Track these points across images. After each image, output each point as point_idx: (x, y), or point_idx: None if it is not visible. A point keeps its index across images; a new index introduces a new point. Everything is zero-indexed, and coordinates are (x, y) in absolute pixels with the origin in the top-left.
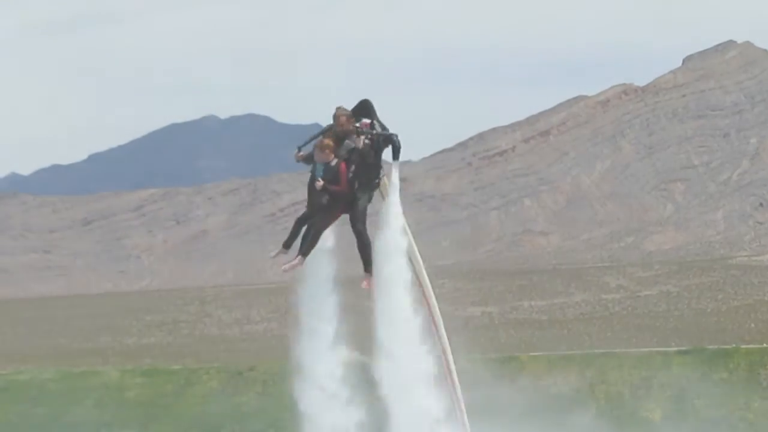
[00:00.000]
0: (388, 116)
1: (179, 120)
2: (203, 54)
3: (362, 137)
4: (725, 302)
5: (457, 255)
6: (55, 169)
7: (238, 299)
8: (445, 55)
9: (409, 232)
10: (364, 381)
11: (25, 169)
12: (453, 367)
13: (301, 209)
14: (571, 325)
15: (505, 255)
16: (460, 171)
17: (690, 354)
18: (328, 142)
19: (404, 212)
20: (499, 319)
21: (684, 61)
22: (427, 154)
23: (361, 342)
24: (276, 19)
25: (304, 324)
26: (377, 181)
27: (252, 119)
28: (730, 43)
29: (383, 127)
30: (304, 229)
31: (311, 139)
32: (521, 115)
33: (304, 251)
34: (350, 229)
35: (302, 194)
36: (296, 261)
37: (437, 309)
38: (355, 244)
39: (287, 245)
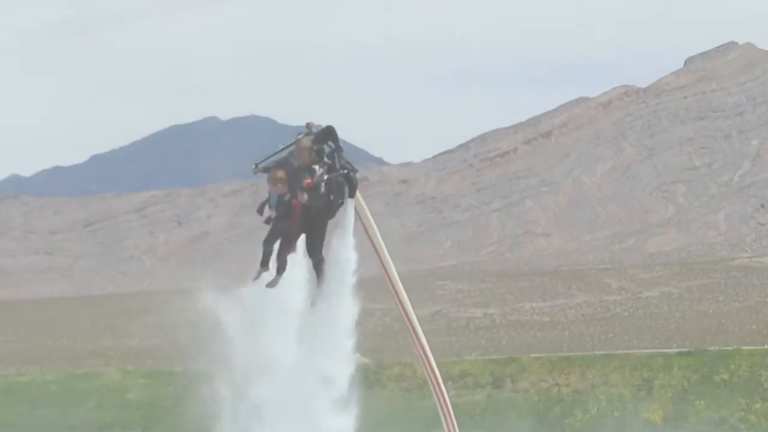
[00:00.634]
0: (389, 118)
1: (181, 121)
2: (205, 55)
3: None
4: (726, 304)
5: (459, 256)
6: (57, 170)
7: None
8: (446, 57)
9: (380, 238)
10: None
11: (27, 171)
12: (435, 367)
13: None
14: (572, 326)
15: (506, 256)
16: (461, 172)
17: (691, 355)
18: (282, 175)
19: (406, 214)
20: (501, 321)
21: (685, 62)
22: (428, 156)
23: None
24: (277, 21)
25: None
26: (336, 210)
27: (254, 120)
28: (731, 45)
29: (342, 159)
30: (277, 244)
31: (273, 155)
32: (522, 117)
33: (280, 270)
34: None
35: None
36: (276, 279)
37: (413, 315)
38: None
39: (264, 264)
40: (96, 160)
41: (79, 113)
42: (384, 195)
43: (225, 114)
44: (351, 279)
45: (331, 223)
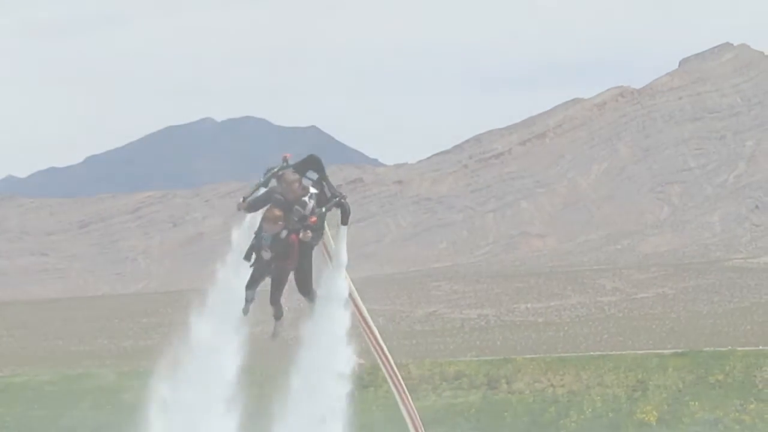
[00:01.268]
0: (385, 119)
1: (176, 123)
2: (200, 57)
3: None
4: (721, 305)
5: (454, 257)
6: (52, 171)
7: None
8: (442, 58)
9: (351, 284)
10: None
11: (22, 172)
12: (396, 371)
13: None
14: (567, 327)
15: (501, 257)
16: (456, 173)
17: (686, 356)
18: (279, 213)
19: (401, 214)
20: (496, 321)
21: (680, 63)
22: (423, 157)
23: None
24: (273, 22)
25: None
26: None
27: (249, 122)
28: (726, 46)
29: (332, 187)
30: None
31: (259, 186)
32: (517, 118)
33: (279, 316)
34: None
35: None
36: (279, 328)
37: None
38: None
39: (245, 311)
40: (91, 161)
41: (74, 114)
42: (379, 196)
43: (220, 115)
44: (345, 322)
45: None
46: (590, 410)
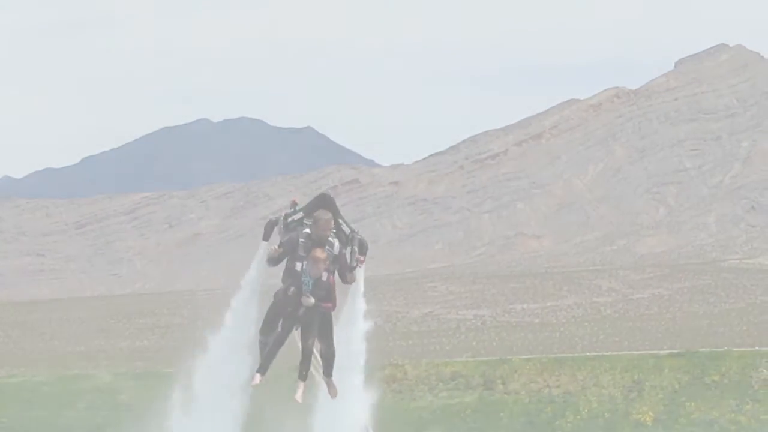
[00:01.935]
0: (381, 120)
1: (172, 123)
2: (196, 58)
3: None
4: (717, 305)
5: (450, 258)
6: (49, 172)
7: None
8: (437, 59)
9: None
10: None
11: (19, 173)
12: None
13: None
14: (563, 327)
15: (497, 258)
16: (452, 174)
17: (682, 357)
18: (323, 255)
19: (397, 215)
20: (492, 322)
21: (676, 64)
22: (419, 158)
23: None
24: (269, 24)
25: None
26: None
27: (245, 123)
28: (722, 47)
29: (347, 224)
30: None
31: (286, 222)
32: (513, 119)
33: (264, 369)
34: None
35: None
36: (258, 379)
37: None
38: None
39: (264, 371)
40: (88, 162)
41: (70, 115)
42: (375, 197)
43: (216, 116)
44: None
45: None
46: (586, 411)
